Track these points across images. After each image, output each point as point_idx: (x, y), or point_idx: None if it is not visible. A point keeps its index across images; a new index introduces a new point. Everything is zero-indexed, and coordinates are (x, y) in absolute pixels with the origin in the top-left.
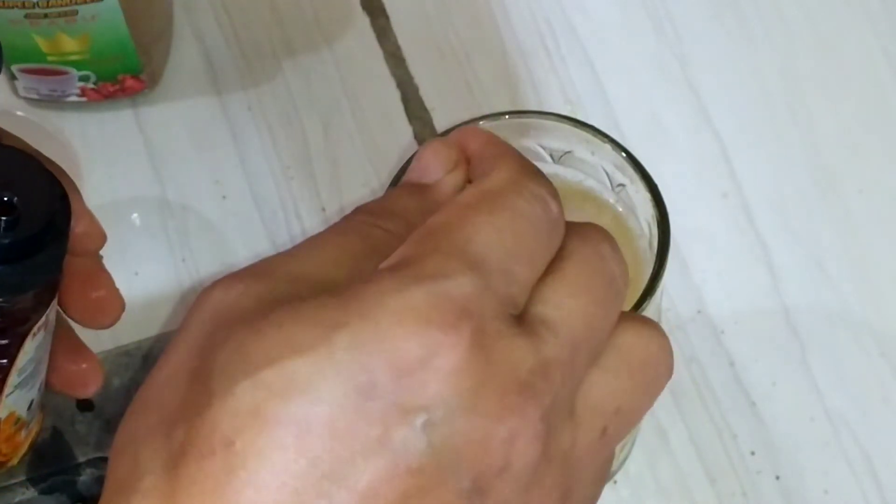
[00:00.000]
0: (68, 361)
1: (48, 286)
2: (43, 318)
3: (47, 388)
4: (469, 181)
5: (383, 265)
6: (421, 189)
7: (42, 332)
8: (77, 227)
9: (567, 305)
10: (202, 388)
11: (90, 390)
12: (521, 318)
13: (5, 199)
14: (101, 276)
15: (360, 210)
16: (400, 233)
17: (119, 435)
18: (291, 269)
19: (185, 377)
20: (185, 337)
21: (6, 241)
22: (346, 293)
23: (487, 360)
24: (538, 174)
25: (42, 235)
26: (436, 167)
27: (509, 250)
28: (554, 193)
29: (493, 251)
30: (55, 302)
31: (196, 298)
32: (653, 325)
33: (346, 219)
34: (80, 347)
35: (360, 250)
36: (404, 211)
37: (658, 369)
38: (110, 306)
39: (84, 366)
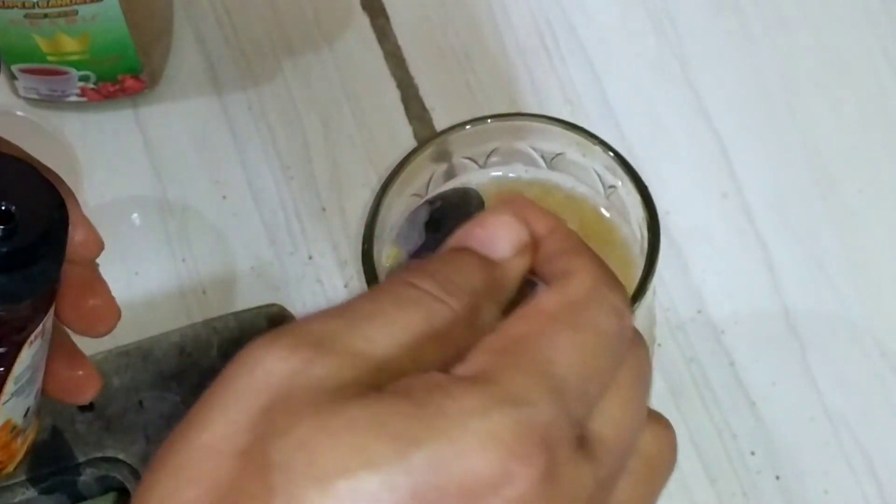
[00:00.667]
0: (65, 369)
1: (46, 295)
2: (40, 327)
3: (43, 395)
4: (532, 269)
5: (461, 371)
6: (487, 265)
7: (39, 341)
8: (75, 235)
9: (621, 422)
10: (259, 480)
11: (86, 398)
12: (583, 437)
13: (3, 207)
14: (97, 284)
15: (422, 274)
16: (464, 314)
17: (146, 493)
18: (352, 344)
19: (232, 453)
20: (232, 402)
21: (4, 249)
22: (426, 405)
23: (553, 489)
24: (616, 282)
25: (40, 244)
26: (504, 244)
27: (587, 372)
28: (628, 304)
29: (573, 373)
30: (52, 310)
31: (243, 355)
32: (666, 425)
33: (407, 283)
34: (76, 355)
35: (423, 330)
36: (469, 287)
37: (669, 468)
38: (106, 315)
39: (80, 373)
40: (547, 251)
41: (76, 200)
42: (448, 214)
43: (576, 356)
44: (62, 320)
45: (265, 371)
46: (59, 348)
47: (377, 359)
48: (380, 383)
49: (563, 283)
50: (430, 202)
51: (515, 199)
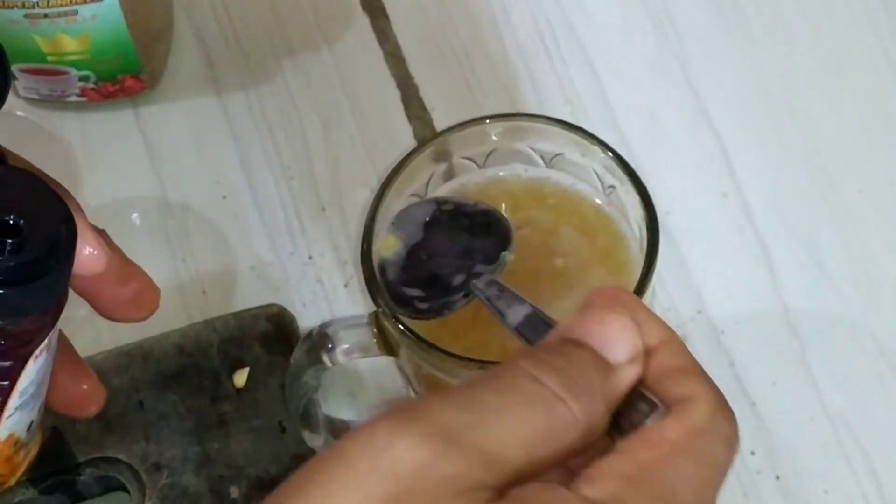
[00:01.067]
0: (69, 382)
1: (52, 309)
2: (46, 341)
3: (47, 408)
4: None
5: (588, 492)
6: (605, 369)
7: (45, 355)
8: (82, 249)
9: None
10: None
11: (91, 412)
12: None
13: (11, 221)
14: (131, 270)
15: (547, 370)
16: (582, 418)
17: None
18: (482, 442)
19: None
20: (355, 482)
21: (11, 263)
22: None
23: None
24: (729, 408)
25: (47, 258)
26: (621, 348)
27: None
28: (738, 431)
29: None
30: (58, 324)
31: (367, 433)
32: None
33: (533, 377)
34: (81, 368)
35: (543, 431)
36: (589, 390)
37: None
38: (147, 298)
39: (85, 387)
40: (661, 366)
41: (84, 214)
42: (457, 223)
43: (695, 490)
44: (102, 311)
45: (393, 458)
46: (64, 362)
47: (504, 460)
48: (503, 485)
49: (685, 411)
50: (439, 202)
51: (623, 297)
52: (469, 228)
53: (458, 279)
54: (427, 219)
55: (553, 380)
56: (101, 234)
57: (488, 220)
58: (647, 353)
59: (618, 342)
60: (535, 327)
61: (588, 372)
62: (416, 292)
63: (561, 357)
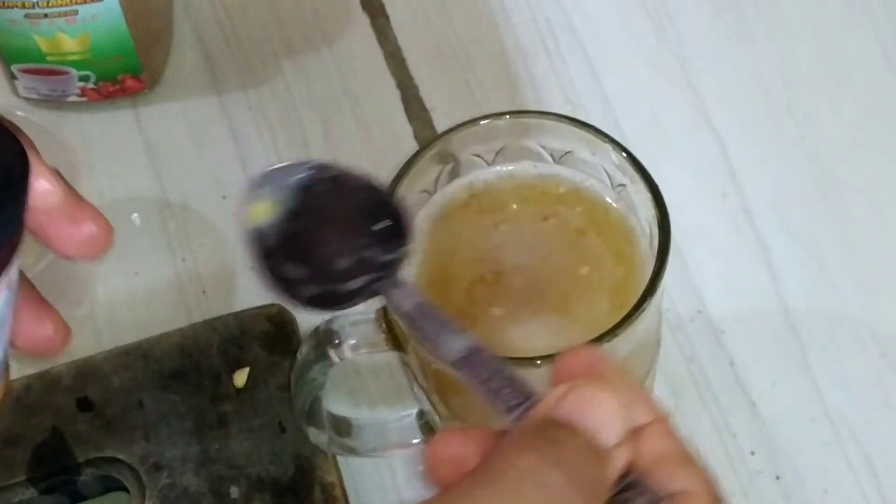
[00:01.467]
0: (33, 323)
1: (9, 245)
2: (5, 278)
3: (13, 348)
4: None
5: None
6: (601, 456)
7: (5, 293)
8: (36, 184)
9: None
10: None
11: (57, 350)
12: None
13: None
14: (85, 208)
15: (545, 465)
16: None
17: None
18: None
19: None
20: None
21: None
22: None
23: None
24: (725, 501)
25: (1, 193)
26: (613, 431)
27: None
28: None
29: None
30: (18, 261)
31: None
32: None
33: (534, 481)
34: (44, 308)
35: None
36: (591, 483)
37: None
38: (100, 237)
39: (48, 326)
40: (653, 450)
41: (37, 151)
42: (340, 196)
43: None
44: (55, 249)
45: None
46: (26, 303)
47: None
48: None
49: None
50: (320, 167)
51: (604, 368)
52: (355, 205)
53: (344, 263)
54: (300, 184)
55: (557, 479)
56: (54, 171)
57: (381, 199)
58: (636, 434)
59: (610, 424)
60: (481, 366)
61: (587, 463)
62: (298, 273)
63: (557, 447)
